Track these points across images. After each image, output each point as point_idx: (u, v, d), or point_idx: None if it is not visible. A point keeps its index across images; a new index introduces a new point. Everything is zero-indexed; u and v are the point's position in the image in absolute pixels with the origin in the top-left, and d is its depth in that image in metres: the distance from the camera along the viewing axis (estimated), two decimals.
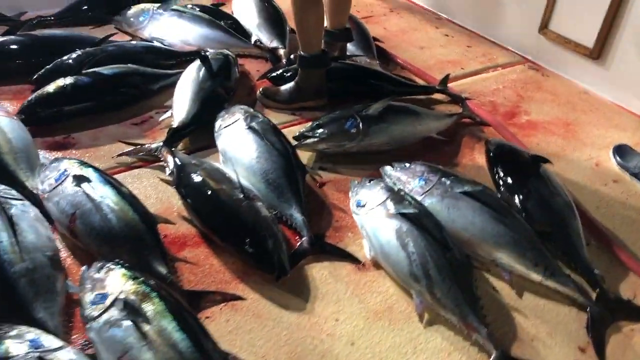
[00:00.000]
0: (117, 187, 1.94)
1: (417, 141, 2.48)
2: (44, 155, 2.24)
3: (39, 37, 2.84)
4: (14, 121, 2.23)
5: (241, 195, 1.92)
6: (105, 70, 2.60)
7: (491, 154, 2.29)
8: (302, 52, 2.58)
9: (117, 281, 1.58)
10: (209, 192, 1.95)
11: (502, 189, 2.13)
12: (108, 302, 1.53)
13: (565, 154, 2.50)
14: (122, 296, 1.53)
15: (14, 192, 1.92)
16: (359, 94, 2.76)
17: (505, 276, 1.85)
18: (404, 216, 1.86)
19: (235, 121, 2.29)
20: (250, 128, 2.23)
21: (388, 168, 2.20)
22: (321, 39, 2.59)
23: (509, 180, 2.14)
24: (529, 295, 1.82)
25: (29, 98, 2.43)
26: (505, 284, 1.84)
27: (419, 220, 1.85)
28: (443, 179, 2.04)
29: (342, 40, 2.88)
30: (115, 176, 2.21)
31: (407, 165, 2.17)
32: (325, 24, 2.83)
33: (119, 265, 1.63)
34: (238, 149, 2.19)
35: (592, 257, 1.90)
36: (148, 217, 1.88)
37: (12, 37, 2.78)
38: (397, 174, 2.16)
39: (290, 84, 2.70)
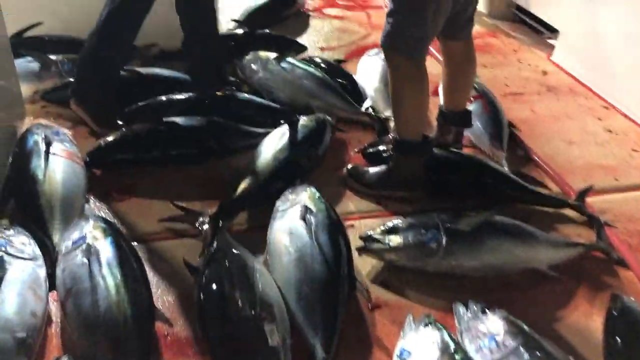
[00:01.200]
0: (130, 266, 1.70)
1: (519, 271, 1.94)
2: (88, 208, 2.09)
3: (141, 73, 2.76)
4: (70, 164, 2.10)
5: (252, 312, 1.56)
6: (186, 120, 2.42)
7: (613, 316, 1.67)
8: (397, 135, 2.17)
9: None
10: (218, 296, 1.63)
11: None
12: None
13: None
14: None
15: (30, 247, 1.77)
16: (464, 192, 2.28)
17: None
18: None
19: (291, 207, 1.95)
20: (303, 219, 1.87)
21: (461, 307, 1.70)
22: (423, 123, 2.16)
23: None
24: None
25: (100, 141, 2.32)
26: None
27: None
28: (522, 349, 1.49)
29: (457, 125, 2.40)
30: (155, 243, 2.02)
31: (485, 311, 1.64)
32: (440, 102, 2.40)
33: None
34: (281, 243, 1.83)
35: None
36: (146, 312, 1.61)
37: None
38: (469, 320, 1.65)
39: (382, 167, 2.29)
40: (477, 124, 2.61)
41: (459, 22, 2.15)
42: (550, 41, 3.82)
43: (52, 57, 2.81)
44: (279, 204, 2.01)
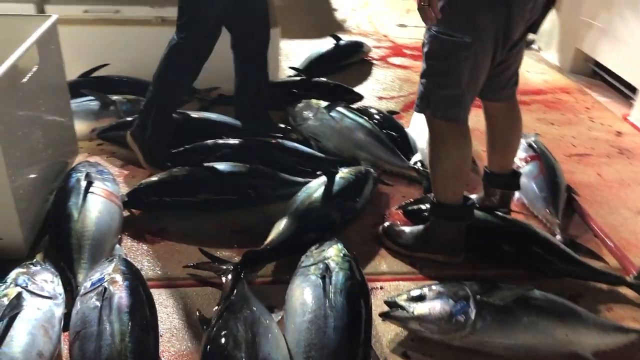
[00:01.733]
0: (140, 314, 1.67)
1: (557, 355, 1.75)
2: (119, 248, 2.10)
3: (192, 117, 2.82)
4: (107, 204, 2.15)
5: None
6: (226, 166, 2.42)
7: None
8: (434, 198, 2.05)
9: None
10: (221, 353, 1.56)
11: None
12: None
13: None
14: None
15: (52, 285, 1.78)
16: (507, 261, 2.13)
17: None
18: None
19: (314, 264, 1.87)
20: (323, 278, 1.78)
21: None
22: (462, 187, 2.02)
23: None
24: None
25: (140, 182, 2.36)
26: None
27: None
28: None
29: (503, 187, 2.25)
30: (177, 289, 1.99)
31: None
32: (486, 163, 2.27)
33: None
34: (297, 302, 1.75)
35: None
36: None
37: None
38: None
39: (419, 228, 2.17)
40: (532, 186, 2.46)
41: (498, 83, 2.03)
42: (630, 100, 3.58)
43: (114, 97, 2.93)
44: (303, 259, 1.94)
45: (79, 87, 2.85)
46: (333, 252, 1.92)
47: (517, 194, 2.43)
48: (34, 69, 2.10)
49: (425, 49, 1.84)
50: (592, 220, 2.41)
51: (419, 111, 1.94)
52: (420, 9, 1.70)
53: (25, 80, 2.03)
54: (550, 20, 4.15)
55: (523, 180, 2.43)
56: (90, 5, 3.17)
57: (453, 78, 1.82)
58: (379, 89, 3.61)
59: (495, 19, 1.73)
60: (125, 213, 2.29)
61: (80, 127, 2.73)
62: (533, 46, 4.43)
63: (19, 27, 2.20)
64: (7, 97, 1.91)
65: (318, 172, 2.39)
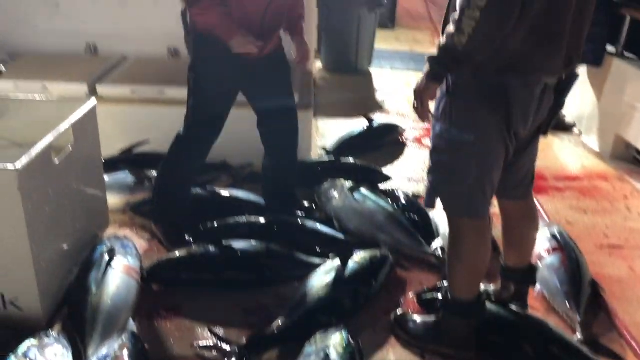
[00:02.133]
0: None
1: None
2: (133, 324, 2.15)
3: (219, 193, 2.92)
4: (126, 279, 2.21)
5: None
6: (244, 245, 2.48)
7: None
8: (448, 291, 2.02)
9: None
10: None
11: None
12: None
13: None
14: None
15: (60, 359, 1.85)
16: (521, 358, 2.05)
17: None
18: None
19: (315, 352, 1.86)
20: None
21: None
22: (478, 284, 2.00)
23: None
24: None
25: (160, 258, 2.44)
26: None
27: None
28: None
29: (518, 282, 2.19)
30: None
31: None
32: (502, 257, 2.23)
33: None
34: None
35: None
36: None
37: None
38: None
39: (431, 319, 2.13)
40: (553, 279, 2.39)
41: (510, 182, 1.99)
42: None
43: (150, 172, 3.08)
44: (306, 346, 1.94)
45: (118, 163, 3.03)
46: (336, 340, 1.91)
47: (538, 287, 2.37)
48: (69, 150, 2.25)
49: (431, 146, 1.87)
50: (619, 318, 2.30)
51: (427, 206, 1.96)
52: (415, 110, 1.76)
53: (58, 161, 2.17)
54: (592, 105, 4.12)
55: (544, 272, 2.38)
56: (137, 86, 3.40)
57: (458, 175, 1.83)
58: (410, 170, 3.63)
59: (497, 118, 1.74)
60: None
61: (114, 200, 2.88)
62: (574, 130, 4.38)
63: (64, 110, 2.37)
64: (39, 176, 2.05)
65: (331, 254, 2.40)
